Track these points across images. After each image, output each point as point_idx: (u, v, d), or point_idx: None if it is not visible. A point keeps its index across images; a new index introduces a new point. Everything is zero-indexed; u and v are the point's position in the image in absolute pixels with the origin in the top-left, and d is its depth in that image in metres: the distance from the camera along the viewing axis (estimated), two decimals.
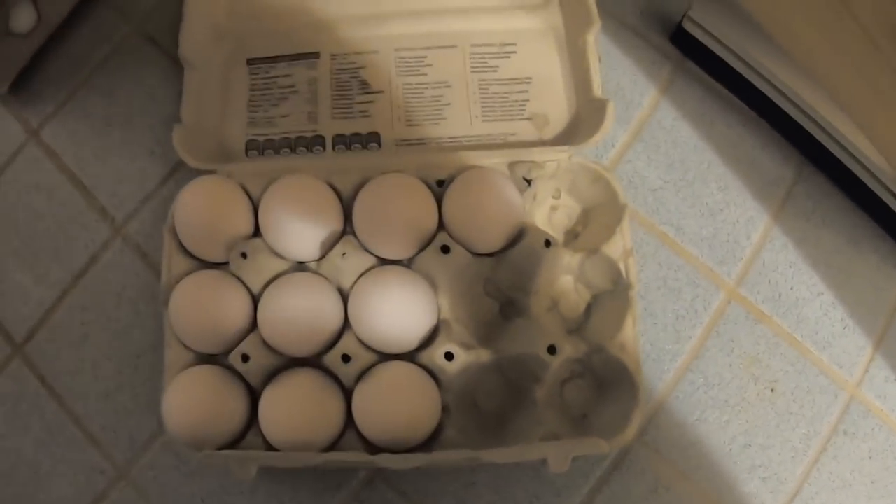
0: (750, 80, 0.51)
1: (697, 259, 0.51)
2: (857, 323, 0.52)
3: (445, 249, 0.42)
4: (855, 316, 0.52)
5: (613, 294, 0.45)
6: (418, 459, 0.40)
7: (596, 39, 0.48)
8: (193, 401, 0.42)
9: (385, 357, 0.43)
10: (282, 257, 0.44)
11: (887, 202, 0.50)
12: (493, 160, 0.45)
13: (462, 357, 0.42)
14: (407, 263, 0.44)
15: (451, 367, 0.42)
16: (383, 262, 0.44)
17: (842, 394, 0.51)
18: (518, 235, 0.44)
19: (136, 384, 0.49)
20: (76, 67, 0.54)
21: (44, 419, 0.49)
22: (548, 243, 0.42)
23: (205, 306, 0.43)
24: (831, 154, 0.51)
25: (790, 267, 0.51)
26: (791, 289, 0.51)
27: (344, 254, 0.42)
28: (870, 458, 0.51)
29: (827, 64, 0.45)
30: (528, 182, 0.45)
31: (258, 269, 0.44)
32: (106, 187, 0.52)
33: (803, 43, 0.46)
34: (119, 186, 0.52)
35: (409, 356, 0.43)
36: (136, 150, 0.53)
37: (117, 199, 0.52)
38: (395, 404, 0.41)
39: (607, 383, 0.46)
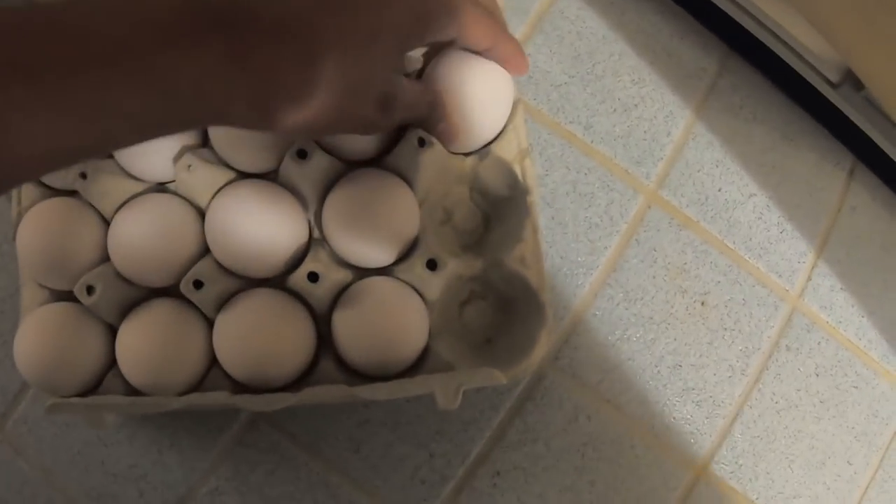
0: None
1: (611, 160, 0.45)
2: (797, 227, 0.47)
3: (302, 154, 0.37)
4: (794, 219, 0.47)
5: (511, 201, 0.40)
6: (284, 400, 0.35)
7: None
8: (43, 341, 0.38)
9: (252, 283, 0.39)
10: (135, 178, 0.40)
11: (825, 94, 0.45)
12: None
13: (330, 277, 0.38)
14: (271, 177, 0.39)
15: (318, 290, 0.37)
16: (241, 175, 0.39)
17: (782, 305, 0.46)
18: (395, 140, 0.39)
19: (3, 332, 0.45)
20: None
21: None
22: (422, 142, 0.37)
23: (53, 236, 0.39)
24: (760, 42, 0.45)
25: (717, 166, 0.46)
26: (719, 190, 0.46)
27: (190, 166, 0.37)
28: (817, 375, 0.46)
29: None
30: None
31: (107, 192, 0.39)
32: None
33: None
34: None
35: (276, 282, 0.38)
36: None
37: None
38: (258, 334, 0.36)
39: (511, 304, 0.41)
